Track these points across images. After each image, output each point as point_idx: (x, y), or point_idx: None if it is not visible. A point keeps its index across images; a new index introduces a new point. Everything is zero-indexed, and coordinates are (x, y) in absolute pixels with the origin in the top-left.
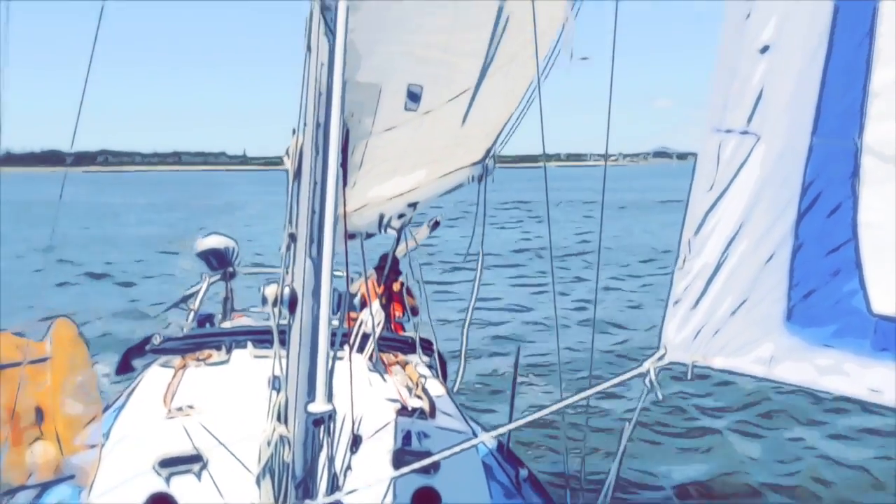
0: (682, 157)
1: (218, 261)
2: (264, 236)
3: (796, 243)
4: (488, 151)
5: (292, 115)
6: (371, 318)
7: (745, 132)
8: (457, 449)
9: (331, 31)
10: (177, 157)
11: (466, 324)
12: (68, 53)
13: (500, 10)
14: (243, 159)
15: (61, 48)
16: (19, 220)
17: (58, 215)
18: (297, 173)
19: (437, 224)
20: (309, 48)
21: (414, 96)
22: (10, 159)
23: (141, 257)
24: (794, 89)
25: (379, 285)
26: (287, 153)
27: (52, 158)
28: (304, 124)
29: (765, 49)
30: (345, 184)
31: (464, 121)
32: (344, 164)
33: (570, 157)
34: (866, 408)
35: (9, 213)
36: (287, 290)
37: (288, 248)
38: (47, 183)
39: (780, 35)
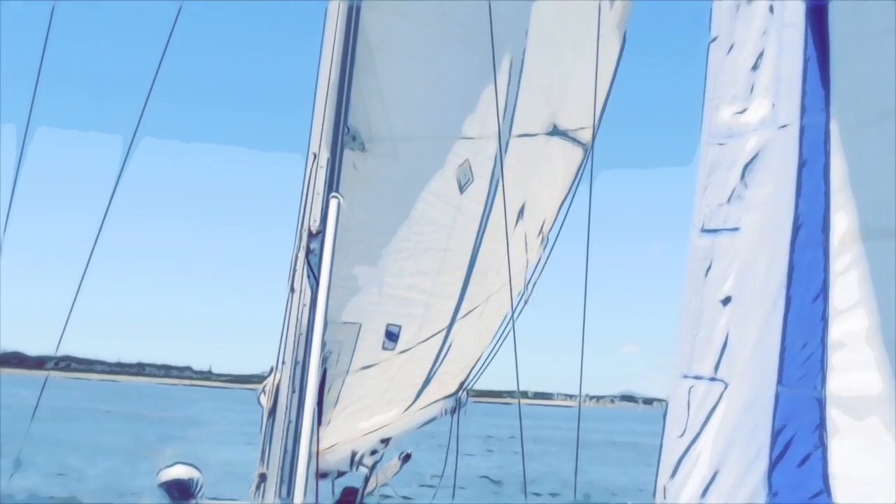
0: (647, 401)
1: (181, 493)
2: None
3: (770, 493)
4: (461, 385)
5: (262, 333)
6: None
7: (712, 379)
8: None
9: (314, 276)
10: (140, 368)
11: None
12: (30, 254)
13: (475, 254)
14: (208, 375)
15: (25, 250)
16: None
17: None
18: (272, 411)
19: (408, 457)
20: (293, 289)
21: (392, 336)
22: None
23: (104, 467)
24: (756, 339)
25: None
26: (263, 390)
27: (13, 360)
28: (283, 362)
29: (726, 300)
30: (320, 422)
31: (439, 359)
32: (320, 403)
33: (537, 395)
34: None
35: None
36: None
37: (258, 487)
38: (8, 385)
39: (741, 288)
